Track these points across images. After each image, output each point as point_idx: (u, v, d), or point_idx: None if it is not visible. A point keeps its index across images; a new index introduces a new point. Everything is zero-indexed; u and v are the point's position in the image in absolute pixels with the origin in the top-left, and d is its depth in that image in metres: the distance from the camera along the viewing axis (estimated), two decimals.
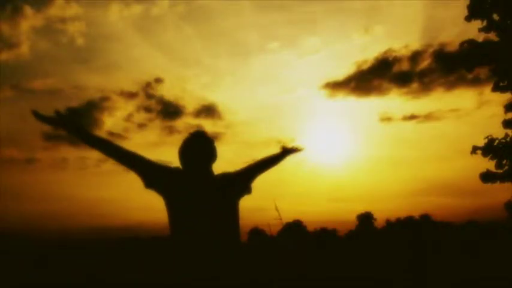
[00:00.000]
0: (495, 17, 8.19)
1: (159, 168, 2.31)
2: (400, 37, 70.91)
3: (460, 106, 54.79)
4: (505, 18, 8.15)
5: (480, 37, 8.46)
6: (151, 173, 2.28)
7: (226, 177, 2.44)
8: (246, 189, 2.51)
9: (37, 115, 2.17)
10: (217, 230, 2.24)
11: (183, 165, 2.36)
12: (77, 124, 2.20)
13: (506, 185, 8.67)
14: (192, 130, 2.49)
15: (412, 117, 59.99)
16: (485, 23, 8.14)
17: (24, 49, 50.68)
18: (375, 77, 52.10)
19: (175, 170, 2.35)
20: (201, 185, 2.31)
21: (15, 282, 11.21)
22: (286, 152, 2.82)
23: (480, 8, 8.14)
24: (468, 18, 8.22)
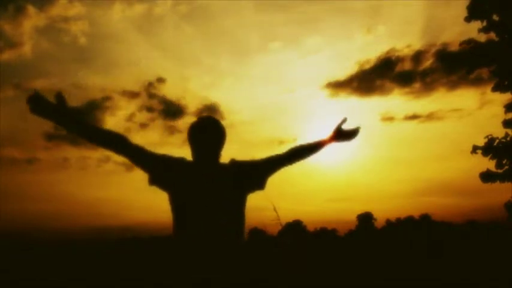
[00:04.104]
0: (495, 17, 8.20)
1: (164, 161, 2.16)
2: (403, 37, 71.09)
3: (462, 106, 54.78)
4: (504, 19, 8.15)
5: (481, 37, 8.47)
6: (156, 168, 2.14)
7: (238, 166, 2.24)
8: (259, 184, 2.27)
9: (35, 98, 1.96)
10: (220, 227, 2.08)
11: (192, 153, 2.22)
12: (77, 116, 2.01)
13: (506, 185, 8.68)
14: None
15: (413, 117, 60.08)
16: (485, 23, 8.15)
17: (27, 48, 50.82)
18: (377, 76, 52.14)
19: (180, 161, 2.19)
20: (207, 176, 2.15)
21: (16, 282, 11.21)
22: (338, 135, 2.35)
23: (480, 8, 8.15)
24: (468, 19, 8.23)
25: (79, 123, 2.02)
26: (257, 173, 2.25)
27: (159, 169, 2.14)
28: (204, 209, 2.08)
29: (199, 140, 2.18)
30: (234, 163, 2.25)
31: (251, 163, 2.27)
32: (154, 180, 2.15)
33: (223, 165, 2.23)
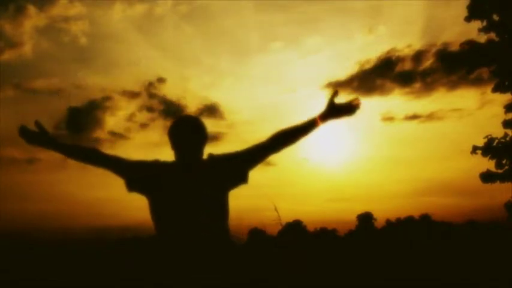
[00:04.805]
0: (495, 17, 8.20)
1: (139, 167, 2.16)
2: (403, 37, 70.73)
3: (462, 106, 54.62)
4: (504, 19, 8.16)
5: (481, 37, 8.48)
6: (133, 174, 2.15)
7: (215, 160, 2.17)
8: (241, 178, 2.16)
9: (24, 131, 2.15)
10: (201, 225, 2.02)
11: (173, 153, 2.21)
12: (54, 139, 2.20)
13: (506, 185, 8.70)
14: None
15: (414, 117, 59.82)
16: (485, 23, 8.16)
17: (27, 48, 50.59)
18: (377, 76, 51.93)
19: (155, 163, 2.19)
20: (186, 174, 2.11)
21: (16, 282, 11.20)
22: (333, 110, 2.17)
23: (480, 8, 8.15)
24: (468, 19, 8.23)
25: (59, 145, 2.21)
26: (237, 165, 2.15)
27: (136, 175, 2.15)
28: (183, 207, 2.04)
29: (177, 139, 2.17)
30: (212, 158, 2.17)
31: (229, 156, 2.16)
32: (132, 187, 2.16)
33: (202, 162, 2.17)
